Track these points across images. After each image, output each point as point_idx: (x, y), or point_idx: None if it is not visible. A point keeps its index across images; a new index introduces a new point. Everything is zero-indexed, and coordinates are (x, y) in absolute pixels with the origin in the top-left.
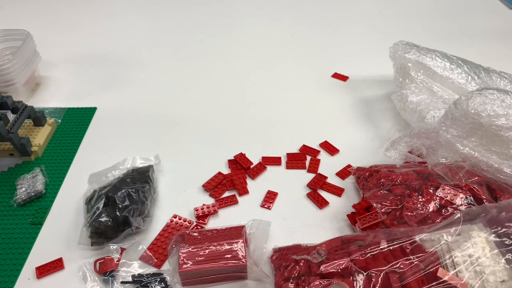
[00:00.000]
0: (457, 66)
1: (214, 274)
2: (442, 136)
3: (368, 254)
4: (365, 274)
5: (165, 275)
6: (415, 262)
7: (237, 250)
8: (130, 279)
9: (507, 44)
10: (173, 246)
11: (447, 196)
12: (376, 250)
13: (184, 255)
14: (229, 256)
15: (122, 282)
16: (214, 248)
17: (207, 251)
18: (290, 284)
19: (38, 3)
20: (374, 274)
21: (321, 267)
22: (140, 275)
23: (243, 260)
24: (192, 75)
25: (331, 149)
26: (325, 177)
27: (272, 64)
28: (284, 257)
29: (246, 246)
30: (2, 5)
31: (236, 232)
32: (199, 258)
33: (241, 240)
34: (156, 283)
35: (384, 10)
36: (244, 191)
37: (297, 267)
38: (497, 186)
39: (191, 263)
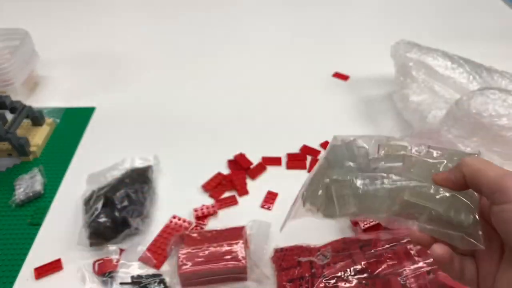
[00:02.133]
0: (458, 66)
1: (214, 275)
2: (444, 136)
3: (371, 256)
4: (368, 277)
5: (164, 276)
6: (420, 265)
7: (237, 251)
8: (129, 280)
9: (509, 44)
10: (173, 247)
11: None
12: (379, 252)
13: (183, 256)
14: (228, 257)
15: (121, 283)
16: (214, 249)
17: (206, 252)
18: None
19: (36, 2)
20: (377, 277)
21: (325, 271)
22: (139, 276)
23: (243, 261)
24: (192, 75)
25: None
26: None
27: (272, 64)
28: (287, 258)
29: (246, 247)
30: (0, 4)
31: (236, 233)
32: (199, 259)
33: (241, 241)
34: (156, 284)
35: (385, 9)
36: (244, 191)
37: (300, 268)
38: None
39: (190, 264)
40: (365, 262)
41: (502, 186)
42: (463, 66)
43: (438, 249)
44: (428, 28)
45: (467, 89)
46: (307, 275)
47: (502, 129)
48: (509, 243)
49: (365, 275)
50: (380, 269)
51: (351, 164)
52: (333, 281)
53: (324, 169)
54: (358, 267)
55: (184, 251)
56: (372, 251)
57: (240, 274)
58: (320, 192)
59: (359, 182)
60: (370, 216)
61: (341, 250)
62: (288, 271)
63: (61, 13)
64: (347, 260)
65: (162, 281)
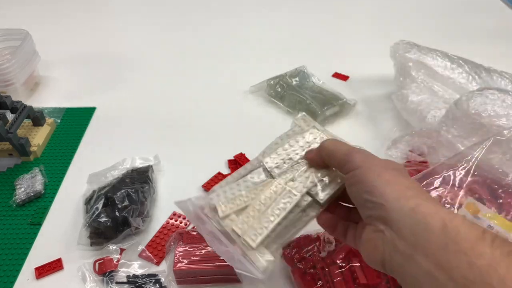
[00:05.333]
0: (458, 66)
1: (209, 275)
2: (443, 136)
3: None
4: None
5: (160, 276)
6: None
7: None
8: (125, 279)
9: (508, 44)
10: (172, 243)
11: (447, 196)
12: None
13: (180, 253)
14: None
15: (116, 283)
16: (210, 248)
17: (203, 251)
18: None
19: (37, 2)
20: None
21: (334, 256)
22: (135, 276)
23: None
24: (192, 75)
25: None
26: None
27: (272, 64)
28: (297, 251)
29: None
30: (1, 5)
31: None
32: (195, 258)
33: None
34: (151, 284)
35: (385, 9)
36: None
37: (311, 258)
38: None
39: (186, 262)
40: None
41: (349, 158)
42: (462, 66)
43: (323, 216)
44: (428, 28)
45: (466, 89)
46: (319, 265)
47: (501, 130)
48: (357, 204)
49: None
50: None
51: None
52: (345, 263)
53: None
54: None
55: (181, 249)
56: None
57: (234, 276)
58: None
59: None
60: None
61: None
62: (300, 266)
63: (62, 13)
64: None
65: (157, 281)
